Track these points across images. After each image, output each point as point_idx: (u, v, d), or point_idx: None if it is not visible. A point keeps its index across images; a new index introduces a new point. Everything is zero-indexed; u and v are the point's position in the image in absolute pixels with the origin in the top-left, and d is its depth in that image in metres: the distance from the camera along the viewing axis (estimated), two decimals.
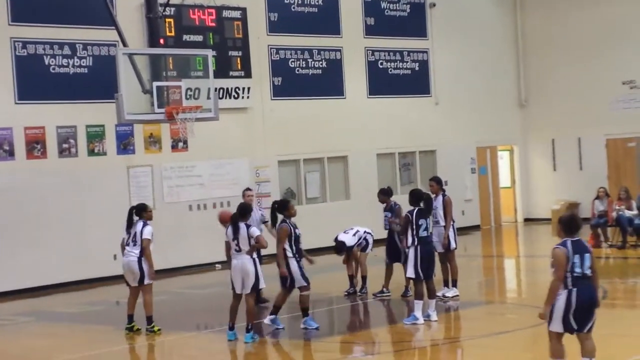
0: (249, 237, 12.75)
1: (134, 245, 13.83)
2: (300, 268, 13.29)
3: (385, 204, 15.97)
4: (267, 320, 13.63)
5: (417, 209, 13.70)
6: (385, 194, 16.04)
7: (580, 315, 9.11)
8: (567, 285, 9.08)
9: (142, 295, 13.90)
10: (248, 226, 12.90)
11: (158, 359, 13.21)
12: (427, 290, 13.54)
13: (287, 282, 13.27)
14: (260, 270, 12.91)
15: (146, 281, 13.84)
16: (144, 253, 13.75)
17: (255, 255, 12.92)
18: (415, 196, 13.89)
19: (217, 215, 15.33)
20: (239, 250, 12.79)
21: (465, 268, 18.03)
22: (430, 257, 13.64)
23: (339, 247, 16.21)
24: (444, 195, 15.49)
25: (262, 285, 12.96)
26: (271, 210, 13.77)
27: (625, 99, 26.55)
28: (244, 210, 13.13)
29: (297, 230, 13.36)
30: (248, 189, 16.15)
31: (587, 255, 9.17)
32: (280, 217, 13.56)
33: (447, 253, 15.46)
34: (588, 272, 9.15)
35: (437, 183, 15.64)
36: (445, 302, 15.06)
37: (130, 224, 13.97)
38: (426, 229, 13.59)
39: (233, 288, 12.96)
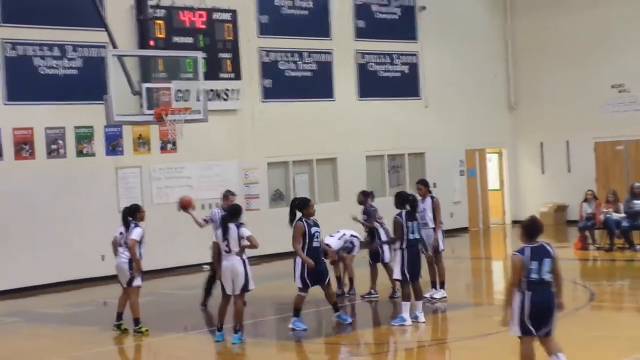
0: (240, 237, 12.75)
1: (126, 247, 13.84)
2: (303, 269, 13.30)
3: (362, 206, 16.08)
4: (334, 317, 13.72)
5: (405, 211, 13.75)
6: (365, 196, 16.16)
7: (536, 318, 9.18)
8: (522, 288, 9.17)
9: (129, 297, 13.89)
10: (238, 226, 12.89)
11: None
12: (413, 291, 13.59)
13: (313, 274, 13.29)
14: (250, 272, 12.91)
15: (134, 283, 13.84)
16: (130, 252, 13.74)
17: (244, 256, 12.92)
18: (401, 199, 13.98)
19: (177, 201, 15.50)
20: (229, 251, 12.77)
21: (453, 270, 18.05)
22: (416, 258, 13.69)
23: (324, 250, 16.24)
24: (432, 197, 15.55)
25: (251, 286, 12.95)
26: (290, 207, 13.74)
27: (614, 102, 26.64)
28: (235, 211, 13.11)
29: (313, 229, 13.39)
30: (232, 194, 16.00)
31: (546, 260, 9.22)
32: (298, 214, 13.57)
33: (435, 254, 15.50)
34: (547, 277, 9.21)
35: (424, 185, 15.69)
36: (433, 304, 15.10)
37: (127, 226, 13.94)
38: (413, 231, 13.65)
39: (223, 289, 12.96)
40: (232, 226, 12.83)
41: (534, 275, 9.15)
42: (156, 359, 13.20)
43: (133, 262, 13.75)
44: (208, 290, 15.78)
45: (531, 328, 9.19)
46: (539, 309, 9.16)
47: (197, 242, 18.58)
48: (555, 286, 9.28)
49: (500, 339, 12.41)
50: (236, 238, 12.74)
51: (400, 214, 13.73)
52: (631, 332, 12.53)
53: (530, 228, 9.40)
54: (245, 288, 12.84)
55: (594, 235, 21.42)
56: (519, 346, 9.37)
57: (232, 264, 12.76)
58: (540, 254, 9.24)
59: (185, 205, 15.66)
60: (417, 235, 13.73)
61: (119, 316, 14.07)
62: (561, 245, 23.09)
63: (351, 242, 16.30)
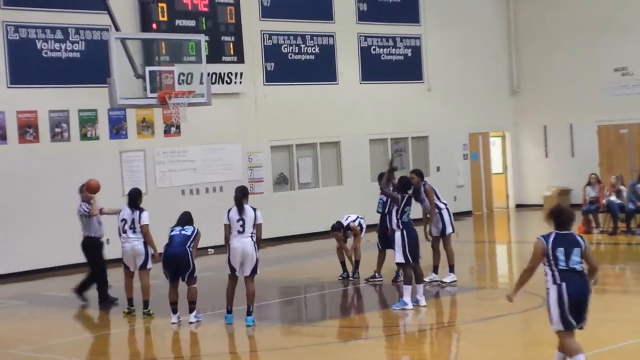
0: (256, 218, 12.69)
1: (133, 232, 13.91)
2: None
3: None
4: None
5: (406, 195, 13.79)
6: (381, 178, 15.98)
7: (576, 310, 8.63)
8: (556, 280, 8.63)
9: (140, 280, 13.98)
10: (255, 209, 12.83)
11: (153, 342, 13.23)
12: (414, 274, 13.61)
13: None
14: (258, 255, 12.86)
15: (148, 266, 13.98)
16: (146, 238, 13.86)
17: (254, 239, 12.81)
18: (404, 184, 14.02)
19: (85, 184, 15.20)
20: (243, 232, 12.67)
21: (457, 254, 17.93)
22: (414, 241, 13.71)
23: (336, 227, 16.26)
24: (424, 185, 15.56)
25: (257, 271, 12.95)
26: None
27: (617, 85, 26.58)
28: (246, 191, 13.08)
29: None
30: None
31: (575, 250, 8.66)
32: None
33: (442, 237, 15.55)
34: (577, 266, 8.64)
35: (417, 175, 15.60)
36: (443, 288, 15.12)
37: (135, 209, 13.98)
38: (408, 215, 13.74)
39: (232, 270, 12.87)
40: (247, 207, 12.77)
41: (562, 264, 8.61)
42: (164, 341, 13.19)
43: (152, 247, 13.93)
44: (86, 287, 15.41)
45: (572, 321, 8.64)
46: (578, 300, 8.61)
47: (202, 226, 18.57)
48: (589, 277, 8.78)
49: (504, 322, 12.50)
50: (253, 218, 12.68)
51: (402, 196, 13.81)
52: (634, 316, 12.56)
53: (558, 218, 8.79)
54: (254, 271, 12.77)
55: (597, 219, 21.42)
56: (560, 341, 8.77)
57: (244, 244, 12.69)
58: (569, 242, 8.70)
59: (92, 190, 15.40)
60: (410, 219, 13.82)
61: (130, 301, 14.13)
62: None
63: (360, 224, 16.35)
